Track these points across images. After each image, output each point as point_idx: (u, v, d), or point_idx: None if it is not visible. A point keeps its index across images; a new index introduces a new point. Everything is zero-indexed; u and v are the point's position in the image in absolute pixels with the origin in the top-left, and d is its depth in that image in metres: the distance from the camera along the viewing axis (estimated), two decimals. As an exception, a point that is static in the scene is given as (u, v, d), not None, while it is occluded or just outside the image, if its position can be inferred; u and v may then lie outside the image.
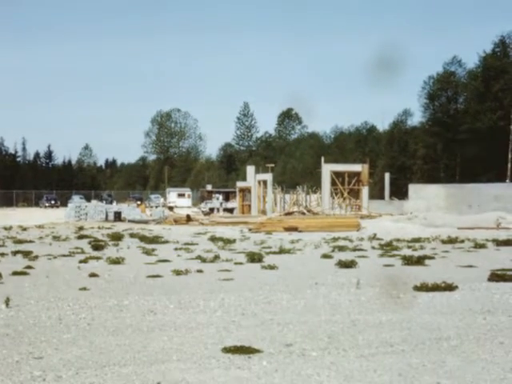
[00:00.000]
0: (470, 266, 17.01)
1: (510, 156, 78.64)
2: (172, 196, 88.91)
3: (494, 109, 79.97)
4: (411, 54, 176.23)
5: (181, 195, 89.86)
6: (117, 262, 17.81)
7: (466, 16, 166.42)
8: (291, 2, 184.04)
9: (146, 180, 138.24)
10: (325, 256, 19.75)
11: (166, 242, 26.47)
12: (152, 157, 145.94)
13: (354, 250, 22.51)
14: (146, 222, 46.60)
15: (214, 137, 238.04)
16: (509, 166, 78.17)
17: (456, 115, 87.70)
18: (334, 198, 56.10)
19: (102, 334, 9.02)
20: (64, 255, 20.22)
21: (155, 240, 26.74)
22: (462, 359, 7.63)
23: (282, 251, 21.52)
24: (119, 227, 39.30)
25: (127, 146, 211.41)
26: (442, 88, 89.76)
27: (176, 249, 22.85)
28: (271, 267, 16.59)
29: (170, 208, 72.42)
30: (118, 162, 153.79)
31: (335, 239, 27.72)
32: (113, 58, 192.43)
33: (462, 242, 26.21)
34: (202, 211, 66.67)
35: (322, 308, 10.89)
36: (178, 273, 15.28)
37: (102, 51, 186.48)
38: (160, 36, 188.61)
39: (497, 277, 14.01)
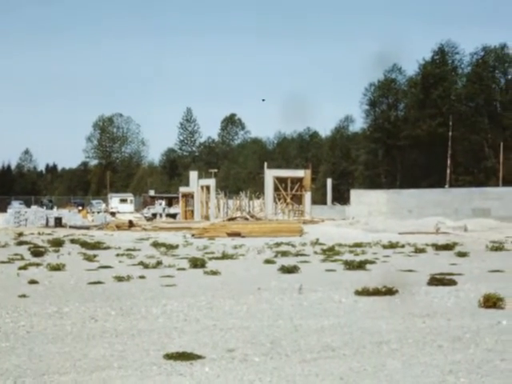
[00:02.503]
0: (411, 271, 17.25)
1: (449, 162, 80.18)
2: (114, 201, 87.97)
3: (434, 116, 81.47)
4: (352, 60, 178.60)
5: (123, 201, 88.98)
6: (57, 268, 17.53)
7: (406, 24, 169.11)
8: (230, 7, 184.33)
9: (88, 185, 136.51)
10: (267, 261, 19.80)
11: (108, 247, 26.20)
12: (94, 162, 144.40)
13: (297, 255, 22.63)
14: (87, 228, 46.06)
15: (156, 142, 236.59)
16: (448, 171, 79.68)
17: (396, 122, 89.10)
18: (276, 203, 56.36)
19: (41, 341, 8.86)
20: (3, 262, 19.81)
21: (97, 246, 26.43)
22: (401, 362, 7.73)
23: (224, 257, 21.50)
24: (60, 233, 38.73)
25: (68, 150, 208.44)
26: (383, 95, 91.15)
27: (118, 255, 22.63)
28: (214, 273, 16.56)
29: (112, 214, 71.72)
30: (59, 167, 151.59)
31: (278, 244, 27.82)
32: (53, 62, 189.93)
33: (403, 246, 26.58)
34: (145, 217, 66.23)
35: (265, 313, 10.91)
36: (119, 279, 15.13)
37: (43, 54, 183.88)
38: (103, 40, 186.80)
39: (436, 281, 14.24)
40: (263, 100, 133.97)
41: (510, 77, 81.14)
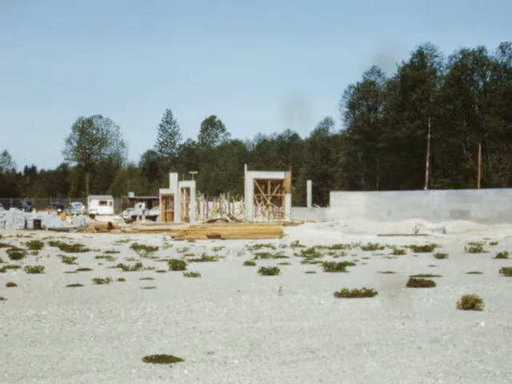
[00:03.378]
0: (390, 272, 17.32)
1: (427, 164, 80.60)
2: (93, 203, 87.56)
3: (412, 118, 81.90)
4: (332, 63, 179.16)
5: (102, 203, 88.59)
6: (36, 271, 17.42)
7: (386, 26, 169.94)
8: (208, 8, 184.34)
9: (67, 187, 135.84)
10: (247, 263, 19.80)
11: (87, 250, 26.07)
12: (73, 164, 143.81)
13: (277, 257, 22.64)
14: (66, 230, 45.78)
15: (136, 144, 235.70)
16: (427, 173, 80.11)
17: (376, 124, 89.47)
18: (256, 205, 56.36)
19: (19, 345, 8.80)
20: (-20, 264, 19.65)
21: (76, 248, 26.27)
22: (380, 364, 7.75)
23: (204, 259, 21.47)
24: (39, 235, 38.49)
25: (47, 152, 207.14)
26: (363, 97, 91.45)
27: (97, 257, 22.52)
28: (194, 275, 16.53)
29: (92, 216, 71.39)
30: (38, 169, 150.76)
31: (258, 246, 27.83)
32: (34, 62, 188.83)
33: (382, 248, 26.69)
34: (125, 219, 65.97)
35: (245, 315, 10.91)
36: (98, 281, 15.06)
37: (22, 54, 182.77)
38: (82, 41, 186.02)
39: (415, 282, 14.31)
40: (247, 103, 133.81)
41: (487, 80, 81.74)
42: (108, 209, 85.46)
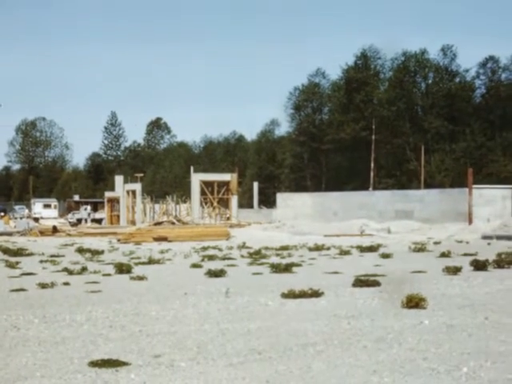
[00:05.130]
0: (336, 273, 17.47)
1: (372, 165, 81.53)
2: (37, 207, 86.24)
3: (357, 119, 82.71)
4: (277, 65, 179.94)
5: (47, 206, 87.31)
6: (-22, 276, 17.09)
7: (328, 28, 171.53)
8: (152, 11, 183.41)
9: (10, 190, 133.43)
10: (194, 265, 19.75)
11: (31, 254, 25.67)
12: (16, 166, 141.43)
13: (224, 258, 22.64)
14: (9, 234, 45.01)
15: (81, 146, 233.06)
16: (371, 174, 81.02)
17: (321, 125, 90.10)
18: (203, 207, 56.29)
19: (-40, 352, 8.61)
20: None
21: (19, 252, 25.85)
22: (327, 364, 7.81)
23: (151, 261, 21.34)
24: (-19, 240, 37.74)
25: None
26: (308, 99, 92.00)
27: (41, 261, 22.20)
28: (140, 278, 16.42)
29: (36, 219, 70.27)
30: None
31: (205, 248, 27.79)
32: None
33: (328, 249, 26.91)
34: (70, 222, 65.17)
35: (192, 318, 10.87)
36: (43, 286, 14.84)
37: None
38: (24, 42, 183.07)
39: (361, 282, 14.46)
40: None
41: (430, 81, 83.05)
42: (52, 212, 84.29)
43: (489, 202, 42.05)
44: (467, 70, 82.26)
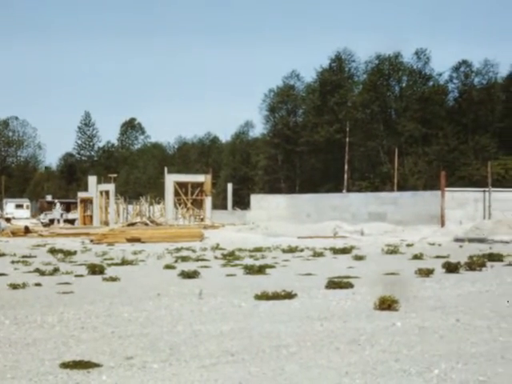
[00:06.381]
0: (309, 274, 17.49)
1: (346, 167, 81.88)
2: (9, 207, 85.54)
3: (331, 122, 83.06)
4: (252, 67, 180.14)
5: (19, 206, 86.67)
6: None
7: (304, 31, 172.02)
8: (127, 8, 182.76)
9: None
10: (167, 267, 19.69)
11: (3, 254, 25.43)
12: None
13: (197, 260, 22.59)
14: (-20, 235, 44.51)
15: (54, 146, 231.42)
16: (345, 176, 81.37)
17: (295, 128, 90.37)
18: (177, 208, 56.17)
19: None
20: None
21: (-10, 253, 25.60)
22: (300, 365, 7.82)
23: (124, 262, 21.23)
24: (-49, 240, 37.32)
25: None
26: (282, 101, 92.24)
27: (13, 262, 22.00)
28: (113, 279, 16.33)
29: (8, 219, 69.57)
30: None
31: (178, 250, 27.71)
32: None
33: (302, 250, 26.95)
34: (42, 222, 64.60)
35: (164, 319, 10.83)
36: (14, 287, 14.70)
37: None
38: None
39: (334, 284, 14.50)
40: None
41: (403, 85, 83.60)
42: (25, 212, 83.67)
43: (461, 205, 42.47)
44: (440, 74, 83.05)
